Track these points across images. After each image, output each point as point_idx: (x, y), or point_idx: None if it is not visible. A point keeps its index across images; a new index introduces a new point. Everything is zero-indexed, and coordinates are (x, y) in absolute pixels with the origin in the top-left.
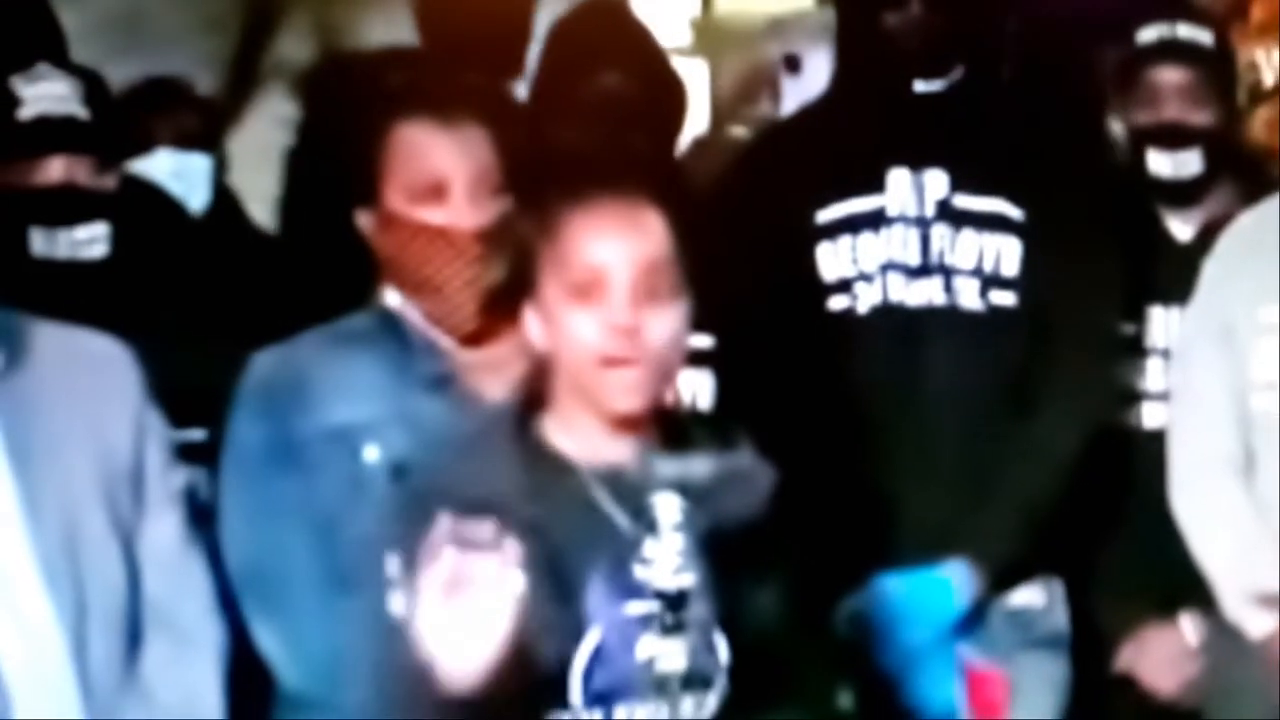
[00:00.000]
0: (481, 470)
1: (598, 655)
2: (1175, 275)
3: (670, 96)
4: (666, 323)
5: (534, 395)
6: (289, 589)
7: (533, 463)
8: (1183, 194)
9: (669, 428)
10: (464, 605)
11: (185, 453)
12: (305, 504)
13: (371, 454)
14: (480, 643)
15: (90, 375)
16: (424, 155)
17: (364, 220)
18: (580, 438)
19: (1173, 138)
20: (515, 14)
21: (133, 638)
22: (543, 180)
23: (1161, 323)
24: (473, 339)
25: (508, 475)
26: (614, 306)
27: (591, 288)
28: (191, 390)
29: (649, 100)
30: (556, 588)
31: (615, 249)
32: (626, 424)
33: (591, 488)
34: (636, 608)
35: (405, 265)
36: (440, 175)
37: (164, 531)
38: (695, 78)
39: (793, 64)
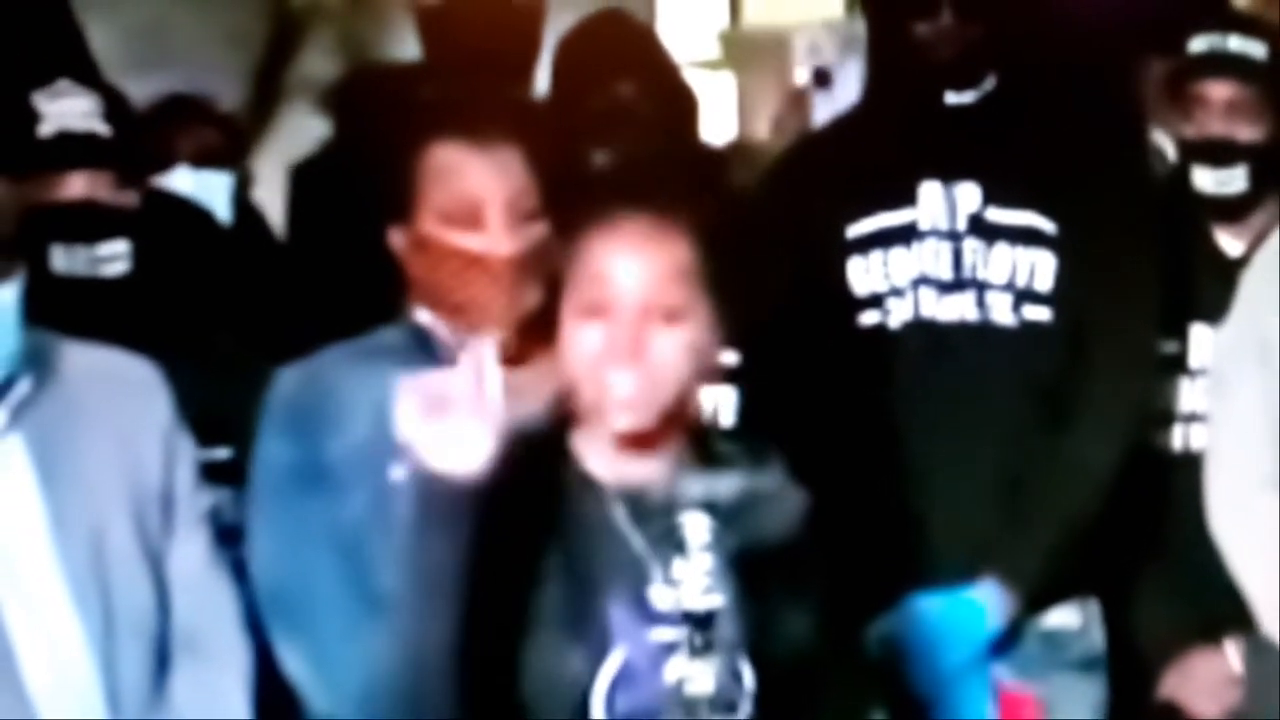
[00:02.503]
0: (513, 487)
1: (621, 677)
2: (1225, 292)
3: (682, 107)
4: (675, 340)
5: (567, 412)
6: (316, 612)
7: (562, 481)
8: (1230, 210)
9: (698, 446)
10: (447, 423)
11: (209, 471)
12: (333, 524)
13: (399, 473)
14: (473, 448)
15: (120, 396)
16: (459, 178)
17: (396, 239)
18: (605, 457)
19: (1218, 154)
20: (524, 26)
21: (162, 658)
22: (572, 203)
23: (1209, 341)
24: (507, 362)
25: (539, 493)
26: (619, 321)
27: (600, 303)
28: (215, 408)
29: (661, 111)
30: (581, 607)
31: (627, 265)
32: (636, 443)
33: (611, 508)
34: (658, 632)
35: (439, 288)
36: (476, 199)
37: (192, 553)
38: (723, 90)
39: (822, 78)
